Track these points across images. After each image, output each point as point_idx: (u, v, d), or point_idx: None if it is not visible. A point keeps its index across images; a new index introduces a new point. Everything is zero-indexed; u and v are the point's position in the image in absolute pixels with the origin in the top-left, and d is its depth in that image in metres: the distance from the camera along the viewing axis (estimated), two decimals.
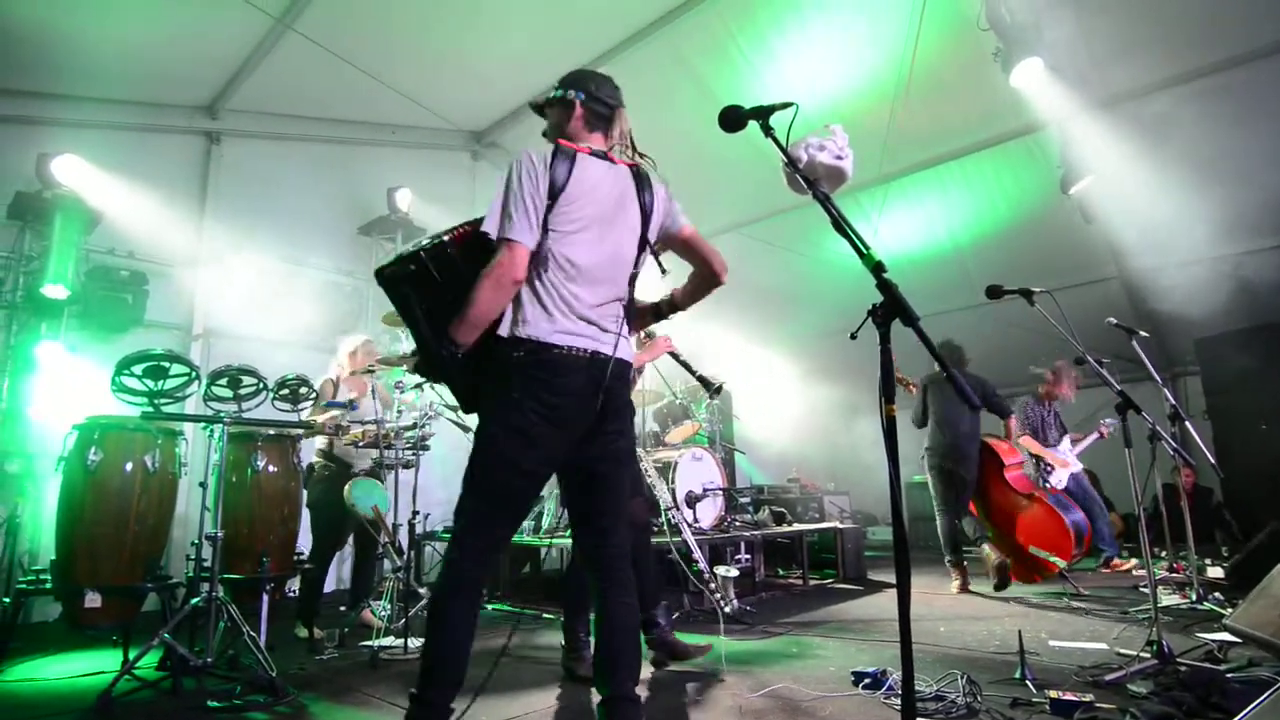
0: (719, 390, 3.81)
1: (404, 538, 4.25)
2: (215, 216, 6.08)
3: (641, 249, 2.13)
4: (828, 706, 2.63)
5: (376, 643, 3.62)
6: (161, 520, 3.41)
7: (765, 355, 10.02)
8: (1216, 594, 4.41)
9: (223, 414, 3.25)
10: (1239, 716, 1.75)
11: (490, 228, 1.92)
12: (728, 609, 4.37)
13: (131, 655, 2.94)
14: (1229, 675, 2.71)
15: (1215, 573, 5.19)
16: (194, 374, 3.42)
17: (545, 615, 4.68)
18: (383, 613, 4.10)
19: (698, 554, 4.54)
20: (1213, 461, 4.17)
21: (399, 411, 4.41)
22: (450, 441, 5.21)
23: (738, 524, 5.81)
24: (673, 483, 5.15)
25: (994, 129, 6.53)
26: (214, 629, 2.97)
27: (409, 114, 6.66)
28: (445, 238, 1.97)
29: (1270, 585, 3.22)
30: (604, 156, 2.10)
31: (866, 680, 2.81)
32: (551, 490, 5.25)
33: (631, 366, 2.09)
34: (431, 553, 5.91)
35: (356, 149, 7.04)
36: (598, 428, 1.98)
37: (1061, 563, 4.91)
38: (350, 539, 4.51)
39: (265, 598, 3.50)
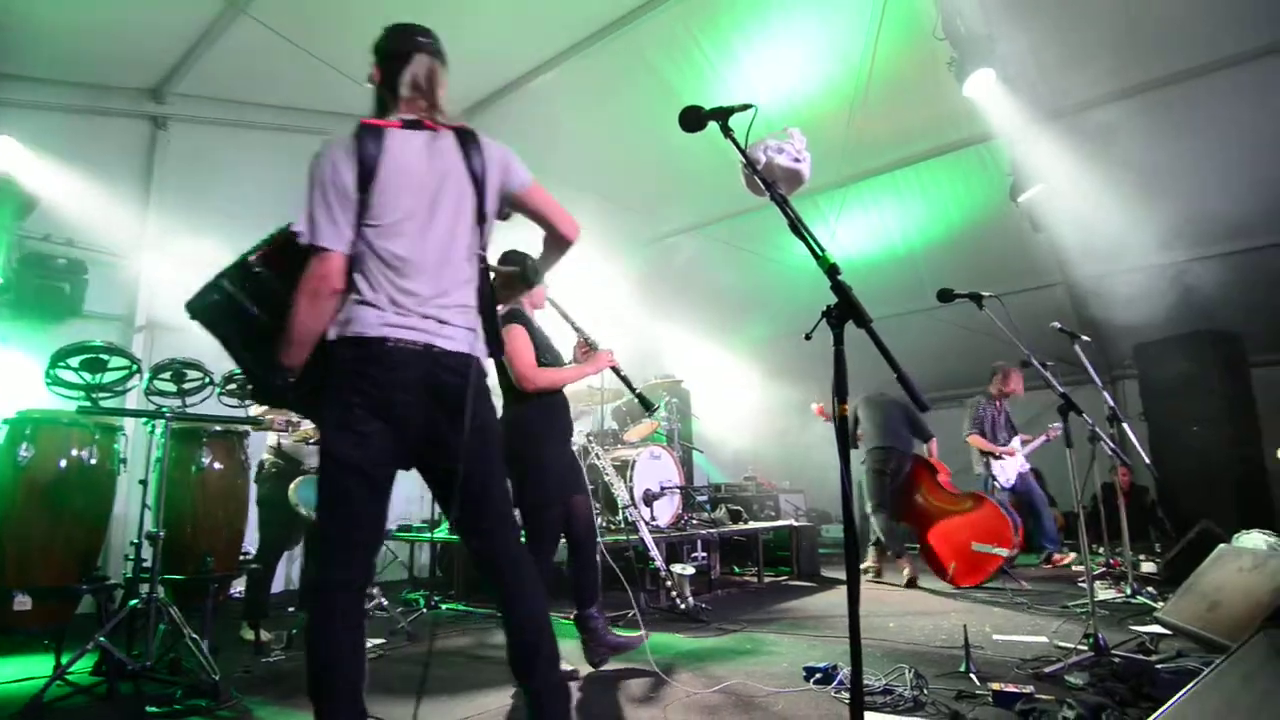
0: (655, 409, 3.84)
1: None
2: (161, 204, 5.84)
3: (481, 221, 1.92)
4: (779, 701, 2.67)
5: None
6: (98, 519, 3.29)
7: (723, 355, 10.10)
8: (1149, 589, 4.60)
9: (165, 409, 3.14)
10: (1167, 705, 1.83)
11: (299, 233, 1.75)
12: (683, 606, 4.40)
13: (65, 660, 2.82)
14: (1159, 666, 2.83)
15: (1149, 568, 5.41)
16: (135, 367, 3.31)
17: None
18: None
19: (654, 552, 4.56)
20: (1148, 462, 4.36)
21: None
22: None
23: (695, 522, 5.84)
24: (631, 481, 5.16)
25: (948, 137, 6.68)
26: (154, 632, 2.86)
27: (366, 103, 6.52)
28: (251, 256, 1.80)
29: (1197, 581, 3.40)
30: (419, 125, 1.89)
31: (818, 675, 2.86)
32: None
33: (476, 360, 1.87)
34: (384, 552, 5.79)
35: (312, 138, 6.82)
36: (446, 428, 1.80)
37: (1005, 553, 5.02)
38: (301, 538, 4.41)
39: (209, 599, 3.39)
